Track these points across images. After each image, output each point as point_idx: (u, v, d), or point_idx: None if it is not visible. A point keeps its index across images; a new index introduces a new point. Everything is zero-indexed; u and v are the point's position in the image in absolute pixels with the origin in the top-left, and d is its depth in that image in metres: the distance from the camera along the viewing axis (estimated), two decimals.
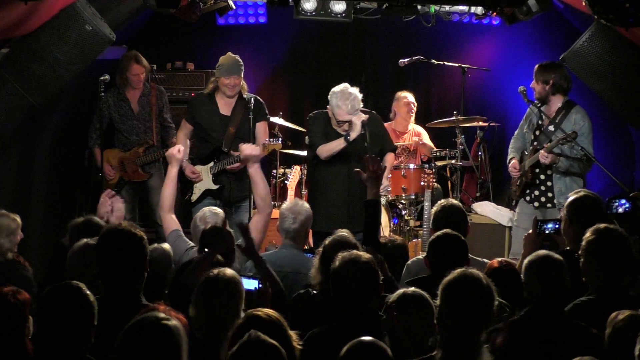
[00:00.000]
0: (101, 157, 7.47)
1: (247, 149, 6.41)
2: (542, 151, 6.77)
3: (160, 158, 7.82)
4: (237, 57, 7.14)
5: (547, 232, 5.00)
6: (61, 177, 7.76)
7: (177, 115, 8.58)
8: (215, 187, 7.11)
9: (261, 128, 7.16)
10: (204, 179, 7.13)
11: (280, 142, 7.06)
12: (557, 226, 4.94)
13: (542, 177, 6.99)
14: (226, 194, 7.09)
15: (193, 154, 7.26)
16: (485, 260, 5.13)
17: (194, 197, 7.14)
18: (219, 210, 5.87)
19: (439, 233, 4.65)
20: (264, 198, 6.14)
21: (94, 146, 7.81)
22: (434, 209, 5.33)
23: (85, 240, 4.50)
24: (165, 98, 8.06)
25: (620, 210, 5.05)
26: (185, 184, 7.20)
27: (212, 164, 7.11)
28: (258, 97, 7.28)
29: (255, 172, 6.24)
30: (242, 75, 7.13)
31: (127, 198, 7.55)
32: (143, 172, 7.83)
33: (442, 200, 5.39)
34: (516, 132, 7.35)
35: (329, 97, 6.81)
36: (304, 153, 8.76)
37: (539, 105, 6.98)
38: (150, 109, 7.86)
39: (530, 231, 5.10)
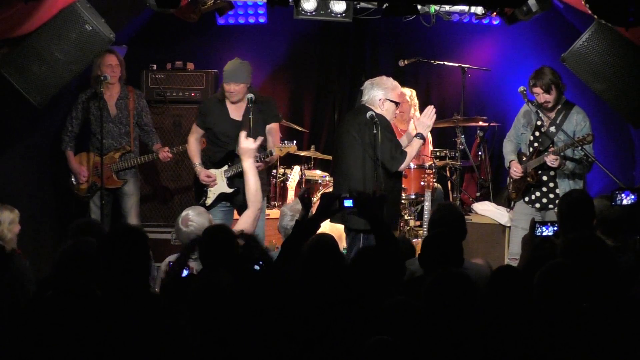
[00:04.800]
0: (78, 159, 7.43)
1: (245, 142, 6.22)
2: (551, 154, 6.75)
3: (136, 165, 7.69)
4: (239, 63, 7.02)
5: (544, 234, 4.95)
6: (61, 177, 7.75)
7: (177, 115, 8.59)
8: (230, 190, 7.04)
9: (273, 129, 7.08)
10: (219, 182, 7.08)
11: (294, 144, 7.04)
12: (556, 228, 4.89)
13: (545, 178, 6.98)
14: (241, 198, 6.87)
15: (206, 158, 7.20)
16: (479, 261, 5.13)
17: (209, 201, 7.07)
18: (203, 210, 5.83)
19: (431, 233, 4.66)
20: (254, 193, 6.04)
21: (66, 149, 7.57)
22: (432, 212, 5.32)
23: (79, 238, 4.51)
24: (144, 101, 7.83)
25: (625, 202, 5.03)
26: (199, 188, 7.17)
27: (226, 167, 7.05)
28: (269, 98, 7.26)
29: (249, 166, 6.09)
30: (245, 82, 6.99)
31: (98, 203, 7.44)
32: (117, 179, 7.61)
33: (441, 202, 5.39)
34: (510, 133, 7.32)
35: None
36: (305, 153, 8.79)
37: (536, 104, 6.97)
38: (128, 112, 7.63)
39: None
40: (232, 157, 7.04)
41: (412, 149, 6.57)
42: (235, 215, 7.16)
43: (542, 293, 3.83)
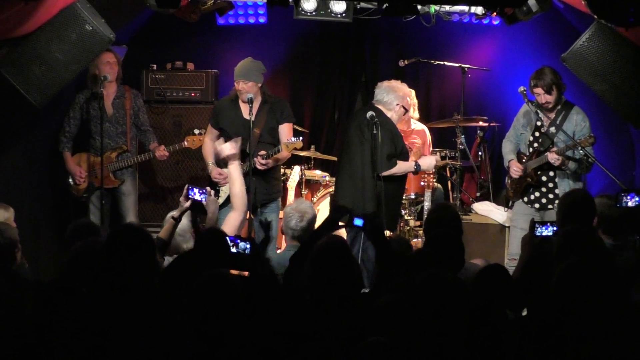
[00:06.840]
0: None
1: (221, 150, 6.42)
2: (553, 153, 6.75)
3: (134, 164, 7.67)
4: (249, 61, 7.10)
5: (543, 234, 4.92)
6: (61, 178, 7.74)
7: (177, 115, 8.59)
8: None
9: (285, 129, 7.15)
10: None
11: (300, 140, 7.05)
12: (555, 228, 4.87)
13: (544, 178, 6.97)
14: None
15: (218, 157, 7.20)
16: (478, 262, 5.13)
17: (220, 200, 7.07)
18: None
19: (435, 233, 4.66)
20: (239, 197, 6.07)
21: (63, 150, 7.55)
22: (429, 211, 5.33)
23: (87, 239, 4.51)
24: (141, 101, 7.81)
25: (631, 204, 5.03)
26: (212, 187, 7.16)
27: None
28: (282, 99, 7.33)
29: (232, 170, 6.23)
30: (254, 80, 7.05)
31: (96, 204, 7.44)
32: (114, 179, 7.58)
33: (438, 202, 5.41)
34: (509, 133, 7.33)
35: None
36: (305, 153, 8.79)
37: (536, 104, 6.97)
38: (125, 112, 7.61)
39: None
40: (243, 157, 7.04)
41: (402, 166, 6.83)
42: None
43: (561, 292, 3.82)
